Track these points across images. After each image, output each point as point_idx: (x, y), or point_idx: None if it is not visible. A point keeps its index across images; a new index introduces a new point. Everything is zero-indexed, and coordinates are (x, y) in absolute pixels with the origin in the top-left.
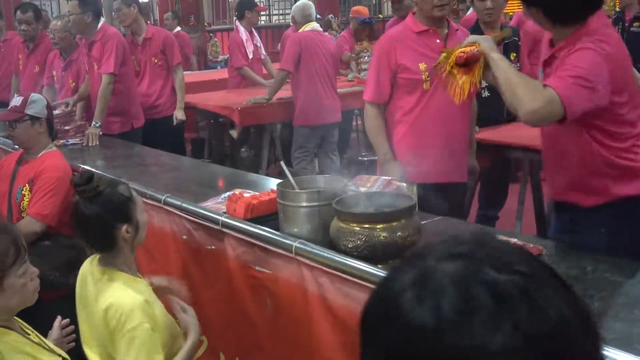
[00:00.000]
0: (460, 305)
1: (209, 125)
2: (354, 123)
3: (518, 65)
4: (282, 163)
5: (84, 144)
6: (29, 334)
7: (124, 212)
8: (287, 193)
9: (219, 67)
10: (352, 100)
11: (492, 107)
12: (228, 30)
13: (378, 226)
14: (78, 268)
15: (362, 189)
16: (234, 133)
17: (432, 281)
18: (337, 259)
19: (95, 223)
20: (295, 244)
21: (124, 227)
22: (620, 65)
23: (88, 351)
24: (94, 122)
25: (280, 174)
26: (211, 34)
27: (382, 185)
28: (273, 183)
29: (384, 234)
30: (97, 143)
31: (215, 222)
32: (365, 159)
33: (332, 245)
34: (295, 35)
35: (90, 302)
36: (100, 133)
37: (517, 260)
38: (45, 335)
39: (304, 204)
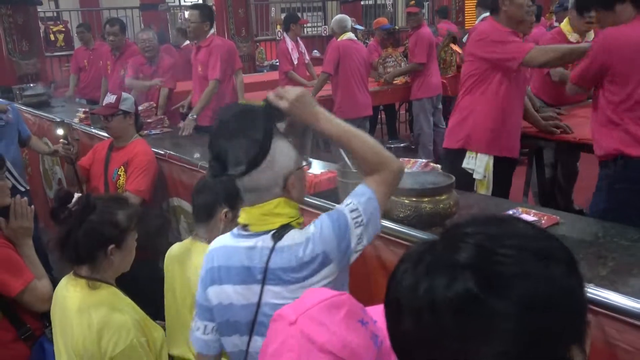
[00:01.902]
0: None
1: None
2: (379, 117)
3: None
4: (341, 150)
5: (180, 133)
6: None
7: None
8: (347, 172)
9: (265, 71)
10: (379, 97)
11: None
12: (271, 40)
13: (424, 199)
14: (164, 234)
15: (406, 170)
16: (281, 125)
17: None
18: (391, 226)
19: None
20: None
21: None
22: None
23: None
24: (191, 114)
25: (320, 158)
26: (257, 43)
27: (421, 166)
28: (323, 165)
29: (430, 206)
30: (190, 132)
31: None
32: (392, 146)
33: (385, 215)
34: (335, 43)
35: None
36: (197, 123)
37: (511, 260)
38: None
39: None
